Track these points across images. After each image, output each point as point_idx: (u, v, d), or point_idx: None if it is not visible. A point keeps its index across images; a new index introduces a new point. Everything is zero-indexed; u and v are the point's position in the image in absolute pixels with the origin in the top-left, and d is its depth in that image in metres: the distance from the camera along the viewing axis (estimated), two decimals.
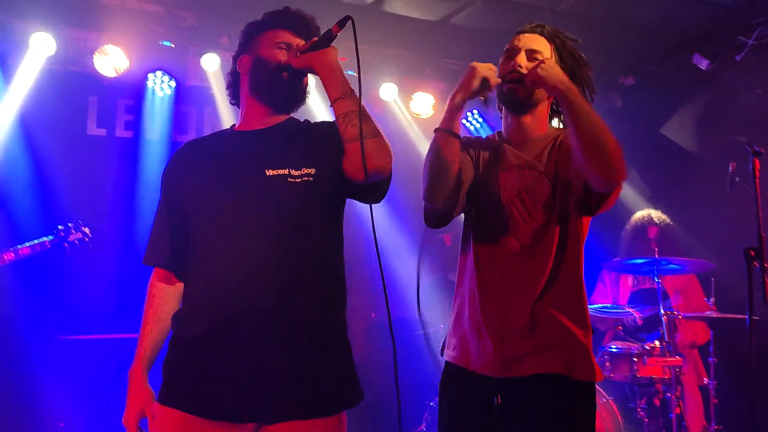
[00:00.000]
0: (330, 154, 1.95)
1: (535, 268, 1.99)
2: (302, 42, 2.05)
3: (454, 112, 1.97)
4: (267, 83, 2.04)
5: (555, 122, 2.20)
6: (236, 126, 2.14)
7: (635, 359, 4.04)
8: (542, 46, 2.09)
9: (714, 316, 4.00)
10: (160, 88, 5.10)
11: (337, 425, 1.91)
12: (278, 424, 1.85)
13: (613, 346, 4.21)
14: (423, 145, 5.60)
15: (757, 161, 3.17)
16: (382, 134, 1.92)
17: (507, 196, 2.04)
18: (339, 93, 1.94)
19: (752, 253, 2.90)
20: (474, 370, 2.01)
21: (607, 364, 4.16)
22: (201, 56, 4.96)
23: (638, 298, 4.72)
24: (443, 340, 2.17)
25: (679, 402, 3.91)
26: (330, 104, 1.96)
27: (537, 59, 2.02)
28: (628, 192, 5.77)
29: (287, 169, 1.94)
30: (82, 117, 5.13)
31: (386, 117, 5.66)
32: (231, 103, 2.20)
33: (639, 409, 4.11)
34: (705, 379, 4.17)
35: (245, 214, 1.94)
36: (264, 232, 1.93)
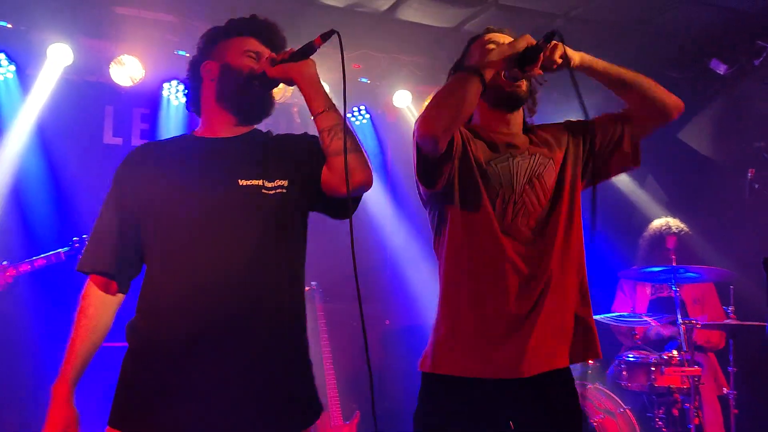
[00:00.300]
0: (305, 167, 1.94)
1: (543, 256, 1.94)
2: (268, 51, 2.03)
3: (488, 66, 1.88)
4: (237, 92, 1.98)
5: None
6: (197, 132, 2.06)
7: (653, 368, 3.99)
8: None
9: (732, 323, 3.94)
10: (175, 96, 5.13)
11: None
12: None
13: (630, 355, 4.16)
14: None
15: None
16: (363, 148, 1.93)
17: (520, 183, 1.98)
18: (322, 107, 1.93)
19: None
20: (484, 376, 1.90)
21: (624, 373, 4.12)
22: None
23: (656, 307, 4.66)
24: (428, 350, 1.99)
25: (698, 412, 3.85)
26: (312, 117, 1.95)
27: None
28: (644, 198, 5.72)
29: (261, 180, 1.91)
30: (98, 126, 5.17)
31: (400, 124, 5.65)
32: (188, 109, 2.12)
33: (657, 419, 4.06)
34: (725, 388, 4.11)
35: (215, 223, 1.87)
36: (235, 244, 1.87)
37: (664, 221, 4.82)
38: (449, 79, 2.09)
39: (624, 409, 4.07)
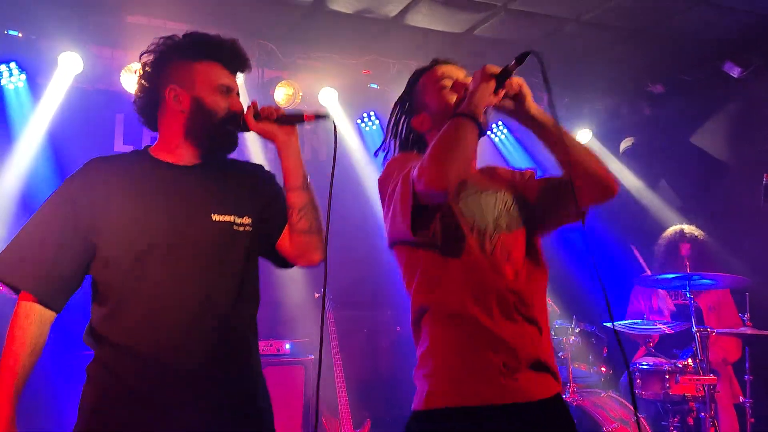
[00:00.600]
0: (271, 211, 2.00)
1: (533, 289, 1.89)
2: (236, 84, 2.00)
3: (479, 108, 1.80)
4: (210, 132, 1.96)
5: None
6: (154, 152, 2.00)
7: (667, 376, 3.93)
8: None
9: (749, 332, 3.87)
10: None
11: None
12: None
13: (644, 363, 4.11)
14: None
15: None
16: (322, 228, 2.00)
17: (492, 219, 1.92)
18: (299, 183, 1.97)
19: None
20: (500, 401, 1.80)
21: (638, 381, 4.07)
22: None
23: (672, 315, 4.60)
24: (426, 387, 1.84)
25: (714, 421, 3.79)
26: (285, 186, 1.98)
27: None
28: (657, 203, 5.66)
29: (233, 216, 1.93)
30: (109, 134, 5.18)
31: None
32: (143, 123, 2.04)
33: (672, 428, 4.00)
34: (741, 397, 4.04)
35: (189, 258, 1.86)
36: (210, 280, 1.88)
37: (678, 228, 4.76)
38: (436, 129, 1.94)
39: (638, 417, 4.01)
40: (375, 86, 5.43)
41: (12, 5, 4.37)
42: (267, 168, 2.14)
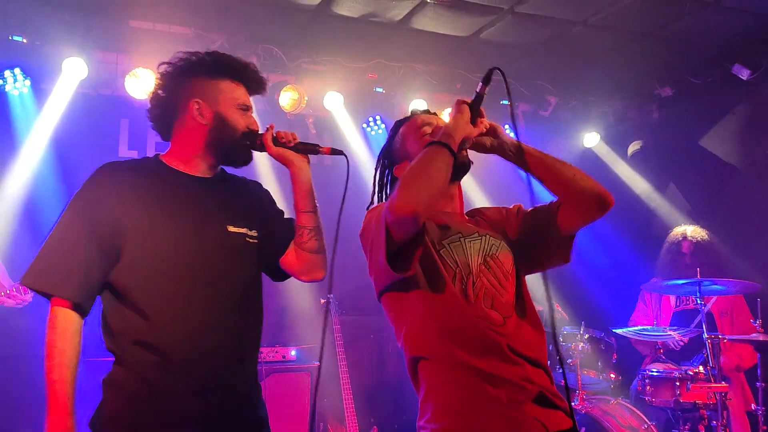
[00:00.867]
0: (275, 227, 2.13)
1: (527, 339, 1.84)
2: (252, 104, 2.10)
3: (454, 136, 1.80)
4: (229, 148, 2.05)
5: None
6: (167, 160, 2.06)
7: (678, 383, 3.88)
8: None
9: (761, 338, 3.81)
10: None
11: None
12: None
13: (653, 370, 4.06)
14: None
15: None
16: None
17: (476, 265, 1.88)
18: (310, 207, 2.12)
19: None
20: None
21: (648, 388, 4.01)
22: None
23: (680, 319, 4.54)
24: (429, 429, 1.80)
25: (726, 429, 3.72)
26: (296, 209, 2.12)
27: None
28: (666, 207, 5.61)
29: (245, 228, 2.04)
30: (114, 140, 5.17)
31: None
32: (156, 129, 2.10)
33: None
34: (753, 404, 3.97)
35: (208, 267, 1.94)
36: (227, 289, 1.96)
37: (681, 229, 4.72)
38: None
39: (648, 425, 3.96)
40: (380, 90, 5.40)
41: (16, 11, 4.36)
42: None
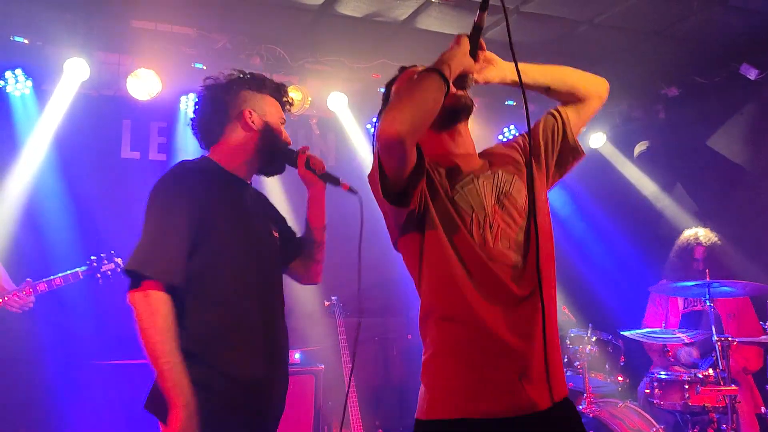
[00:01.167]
0: (287, 234, 2.43)
1: (534, 278, 1.79)
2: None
3: (447, 63, 1.76)
4: (271, 155, 2.30)
5: None
6: (223, 163, 2.25)
7: (687, 386, 3.83)
8: None
9: None
10: (192, 110, 5.07)
11: None
12: None
13: (662, 373, 4.01)
14: None
15: None
16: None
17: (490, 206, 1.83)
18: (322, 224, 2.44)
19: None
20: (500, 416, 1.72)
21: (657, 391, 3.97)
22: None
23: (689, 321, 4.50)
24: (432, 394, 1.78)
25: None
26: (311, 225, 2.43)
27: None
28: (674, 208, 5.57)
29: (277, 233, 2.33)
30: (116, 141, 5.15)
31: None
32: (200, 134, 2.32)
33: None
34: (762, 407, 3.93)
35: (266, 267, 2.20)
36: (275, 286, 2.24)
37: (693, 232, 4.66)
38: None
39: (657, 428, 3.91)
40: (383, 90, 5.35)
41: (18, 12, 4.33)
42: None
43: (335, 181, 2.35)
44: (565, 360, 4.28)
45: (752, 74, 4.85)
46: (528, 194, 1.89)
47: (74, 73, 4.49)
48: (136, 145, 5.19)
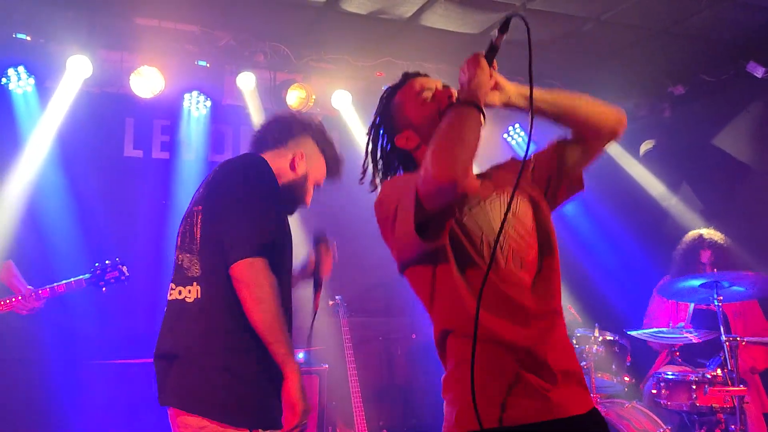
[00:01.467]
0: None
1: (550, 297, 1.80)
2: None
3: (479, 94, 1.73)
4: (289, 203, 2.44)
5: None
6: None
7: (694, 386, 3.80)
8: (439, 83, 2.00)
9: None
10: (195, 108, 5.05)
11: None
12: None
13: (669, 372, 3.98)
14: None
15: None
16: None
17: (498, 226, 1.78)
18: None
19: None
20: (528, 421, 1.70)
21: (664, 391, 3.93)
22: (237, 75, 4.90)
23: (697, 320, 4.46)
24: (455, 410, 1.74)
25: None
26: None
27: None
28: (678, 207, 5.54)
29: None
30: (119, 139, 5.11)
31: None
32: (256, 139, 2.48)
33: None
34: None
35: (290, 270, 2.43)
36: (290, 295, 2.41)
37: (697, 233, 4.61)
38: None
39: (664, 428, 3.89)
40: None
41: (20, 8, 4.30)
42: None
43: (318, 284, 2.59)
44: None
45: (759, 72, 4.82)
46: (534, 214, 1.88)
47: (77, 70, 4.47)
48: (139, 144, 5.16)
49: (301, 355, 4.52)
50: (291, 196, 2.38)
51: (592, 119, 1.89)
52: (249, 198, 2.15)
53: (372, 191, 2.00)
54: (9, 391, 4.30)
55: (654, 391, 4.05)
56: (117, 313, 4.65)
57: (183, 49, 4.74)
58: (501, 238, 1.78)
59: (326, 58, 5.06)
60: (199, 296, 2.14)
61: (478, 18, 4.55)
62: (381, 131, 2.03)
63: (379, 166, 2.02)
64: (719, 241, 4.50)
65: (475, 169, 1.98)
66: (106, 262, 3.60)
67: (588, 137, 1.91)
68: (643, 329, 4.21)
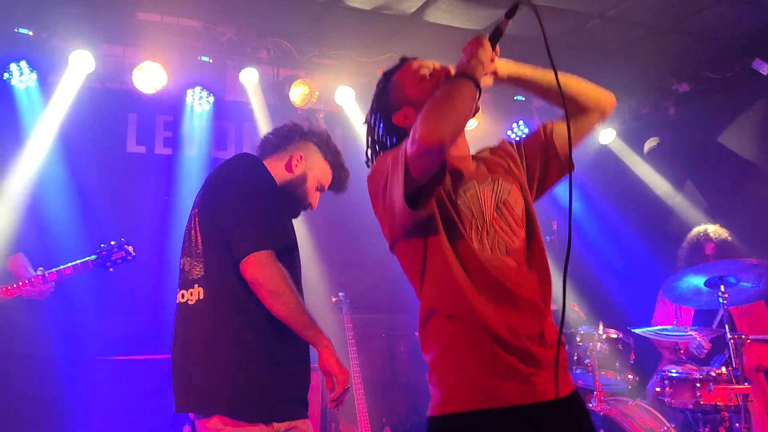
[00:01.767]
0: None
1: (536, 285, 1.82)
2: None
3: (477, 68, 1.75)
4: (291, 204, 2.49)
5: None
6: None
7: (698, 385, 3.78)
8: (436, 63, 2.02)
9: None
10: (198, 103, 5.04)
11: None
12: None
13: (673, 370, 3.96)
14: None
15: None
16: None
17: (489, 213, 1.83)
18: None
19: None
20: (525, 401, 1.72)
21: (668, 389, 3.91)
22: (239, 71, 4.89)
23: (701, 319, 4.44)
24: (443, 391, 1.76)
25: (749, 431, 3.62)
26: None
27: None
28: (683, 204, 5.52)
29: None
30: (121, 134, 5.11)
31: None
32: (263, 145, 2.55)
33: None
34: None
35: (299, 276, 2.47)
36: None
37: (702, 228, 4.61)
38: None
39: (668, 426, 3.87)
40: None
41: (23, 3, 4.29)
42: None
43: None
44: (575, 357, 4.24)
45: (764, 69, 4.80)
46: (524, 203, 1.90)
47: (79, 65, 4.46)
48: (141, 139, 5.15)
49: None
50: (290, 195, 2.40)
51: (582, 95, 1.96)
52: (248, 195, 2.18)
53: None
54: (14, 386, 4.29)
55: (658, 389, 4.04)
56: (120, 309, 4.65)
57: (185, 44, 4.72)
58: (488, 224, 1.82)
59: (329, 54, 5.04)
60: (201, 297, 2.15)
61: (482, 14, 4.53)
62: (378, 113, 2.05)
63: (377, 148, 2.03)
64: (724, 236, 4.49)
65: (471, 150, 2.01)
66: (112, 242, 3.59)
67: (576, 114, 1.94)
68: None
